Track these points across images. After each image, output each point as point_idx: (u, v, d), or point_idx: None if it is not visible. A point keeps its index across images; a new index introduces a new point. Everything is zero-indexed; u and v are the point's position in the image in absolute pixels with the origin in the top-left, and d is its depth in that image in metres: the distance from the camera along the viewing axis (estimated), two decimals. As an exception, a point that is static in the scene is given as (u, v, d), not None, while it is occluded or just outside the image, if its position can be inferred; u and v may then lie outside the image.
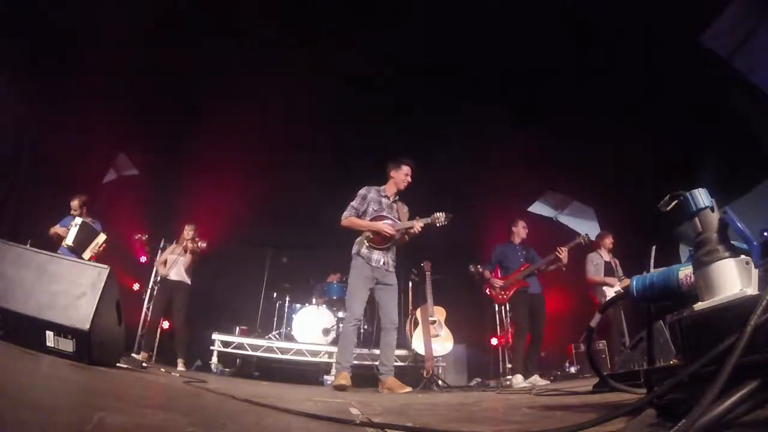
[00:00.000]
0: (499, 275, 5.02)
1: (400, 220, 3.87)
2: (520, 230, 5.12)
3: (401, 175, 3.91)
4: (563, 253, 4.56)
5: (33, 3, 4.48)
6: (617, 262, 5.22)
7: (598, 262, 5.18)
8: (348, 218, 3.80)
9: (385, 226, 3.72)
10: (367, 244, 3.76)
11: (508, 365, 6.86)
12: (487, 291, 5.06)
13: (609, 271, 5.11)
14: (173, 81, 5.63)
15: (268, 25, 5.06)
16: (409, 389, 3.59)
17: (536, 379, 4.27)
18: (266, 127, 6.19)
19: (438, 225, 3.79)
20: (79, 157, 5.77)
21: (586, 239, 4.74)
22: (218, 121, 6.25)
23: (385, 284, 3.77)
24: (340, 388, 3.33)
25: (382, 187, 3.98)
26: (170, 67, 5.42)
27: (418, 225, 3.72)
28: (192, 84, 5.72)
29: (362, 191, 3.93)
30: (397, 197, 4.00)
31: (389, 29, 4.96)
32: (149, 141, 6.71)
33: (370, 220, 3.79)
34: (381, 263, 3.76)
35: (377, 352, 4.20)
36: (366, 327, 6.54)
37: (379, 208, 3.86)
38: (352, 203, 3.88)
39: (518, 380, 4.32)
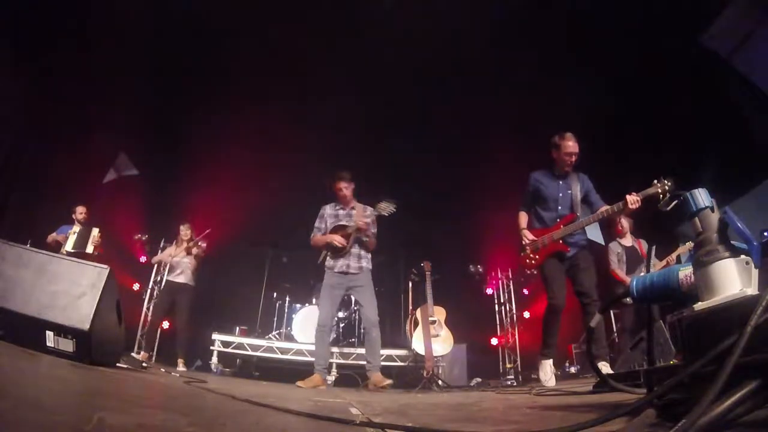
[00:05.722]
0: (533, 223, 3.63)
1: None
2: (563, 154, 3.43)
3: (336, 191, 4.10)
4: (636, 204, 3.09)
5: (34, 3, 4.48)
6: (643, 242, 4.71)
7: (619, 251, 4.73)
8: (312, 238, 4.13)
9: (335, 237, 3.95)
10: (328, 254, 4.04)
11: (508, 365, 6.89)
12: (521, 255, 3.56)
13: (634, 257, 4.64)
14: (174, 81, 5.64)
15: (272, 26, 5.06)
16: (389, 381, 3.72)
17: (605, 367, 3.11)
18: (267, 128, 6.19)
19: (386, 214, 3.97)
20: (79, 157, 5.77)
21: (666, 187, 3.05)
22: (219, 121, 6.25)
23: (356, 286, 3.98)
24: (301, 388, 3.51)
25: (336, 202, 4.20)
26: (171, 67, 5.43)
27: (360, 221, 3.90)
28: (192, 84, 5.72)
29: (320, 211, 4.21)
30: (352, 204, 4.15)
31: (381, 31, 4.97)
32: (149, 141, 6.71)
33: (330, 232, 4.04)
34: (345, 268, 3.97)
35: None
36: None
37: (336, 221, 4.11)
38: (315, 224, 4.17)
39: (545, 370, 3.41)
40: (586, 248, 3.53)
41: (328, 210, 4.19)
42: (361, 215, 4.00)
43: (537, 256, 3.46)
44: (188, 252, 5.53)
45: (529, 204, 3.66)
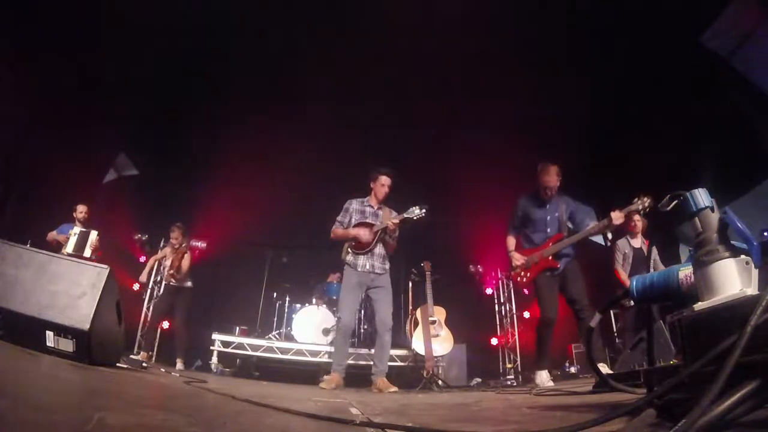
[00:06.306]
0: (522, 243, 3.88)
1: None
2: (544, 187, 3.69)
3: (378, 186, 4.04)
4: (620, 220, 3.39)
5: (34, 3, 4.48)
6: (648, 242, 4.63)
7: (626, 251, 4.61)
8: (333, 231, 4.03)
9: (360, 231, 3.87)
10: (350, 251, 3.94)
11: (508, 365, 6.90)
12: (512, 273, 3.83)
13: (640, 259, 4.55)
14: (174, 81, 5.64)
15: (273, 26, 5.06)
16: (394, 389, 3.66)
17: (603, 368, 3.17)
18: (267, 128, 6.20)
19: (415, 218, 3.88)
20: (79, 157, 5.77)
21: (645, 203, 3.40)
22: (219, 121, 6.25)
23: (375, 287, 3.90)
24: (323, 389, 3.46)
25: (366, 198, 4.12)
26: (171, 66, 5.42)
27: (391, 222, 3.81)
28: (193, 84, 5.72)
29: (345, 204, 4.10)
30: (382, 204, 4.08)
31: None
32: (149, 141, 6.72)
33: (353, 228, 3.96)
34: (367, 268, 3.87)
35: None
36: (366, 327, 6.54)
37: (362, 217, 4.01)
38: (338, 217, 4.06)
39: (542, 378, 3.53)
40: (574, 259, 3.72)
41: (354, 205, 4.07)
42: (389, 217, 3.91)
43: (528, 273, 3.71)
44: (173, 264, 5.49)
45: (517, 228, 3.91)
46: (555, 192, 3.73)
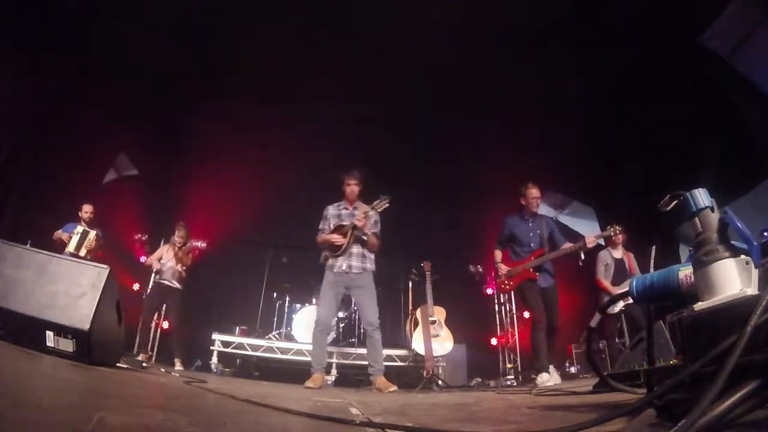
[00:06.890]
0: (510, 256, 4.32)
1: None
2: (530, 199, 4.22)
3: (345, 187, 4.12)
4: (593, 244, 3.97)
5: (34, 3, 4.48)
6: (631, 256, 4.91)
7: (608, 262, 4.86)
8: (316, 240, 4.12)
9: (332, 235, 3.94)
10: (328, 255, 4.01)
11: (508, 365, 6.89)
12: (497, 281, 4.37)
13: (621, 269, 4.82)
14: (174, 81, 5.64)
15: (271, 27, 5.06)
16: (394, 388, 3.65)
17: (551, 373, 3.77)
18: (266, 127, 6.19)
19: (380, 210, 3.97)
20: (79, 157, 5.77)
21: (617, 231, 4.23)
22: (219, 121, 6.25)
23: (356, 287, 3.92)
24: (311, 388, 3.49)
25: (341, 201, 4.20)
26: (171, 67, 5.42)
27: (358, 220, 3.85)
28: (192, 84, 5.72)
29: (323, 212, 4.20)
30: (357, 203, 4.13)
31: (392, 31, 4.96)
32: (149, 141, 6.71)
33: (331, 232, 4.03)
34: (343, 268, 3.91)
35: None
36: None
37: (338, 221, 4.07)
38: (319, 226, 4.15)
39: (544, 379, 3.72)
40: (555, 283, 4.15)
41: (330, 210, 4.16)
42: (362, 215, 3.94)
43: (511, 282, 4.22)
44: (177, 260, 5.49)
45: (504, 243, 4.38)
46: (539, 207, 4.31)
